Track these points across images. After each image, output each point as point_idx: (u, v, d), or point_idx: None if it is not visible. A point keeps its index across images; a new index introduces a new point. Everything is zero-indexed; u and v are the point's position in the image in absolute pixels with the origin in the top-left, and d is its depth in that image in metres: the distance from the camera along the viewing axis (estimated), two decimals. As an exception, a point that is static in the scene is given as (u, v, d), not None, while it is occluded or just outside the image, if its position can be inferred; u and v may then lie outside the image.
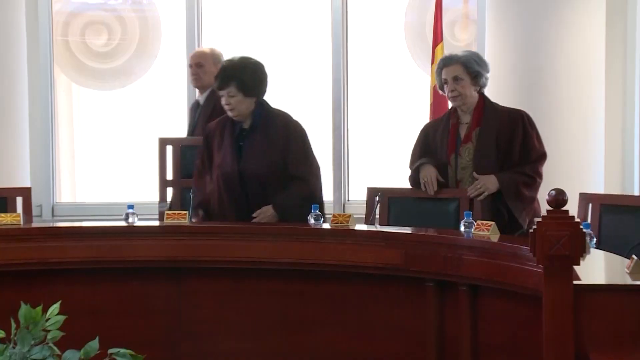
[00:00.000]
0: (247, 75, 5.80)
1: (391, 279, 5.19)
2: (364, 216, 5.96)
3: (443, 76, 5.85)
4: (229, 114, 5.79)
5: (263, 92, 5.90)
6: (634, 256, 4.03)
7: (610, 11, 7.87)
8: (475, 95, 5.85)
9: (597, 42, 7.76)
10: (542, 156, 5.86)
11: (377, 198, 5.73)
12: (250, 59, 5.91)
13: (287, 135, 5.89)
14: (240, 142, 5.84)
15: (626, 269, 3.90)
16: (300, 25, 8.68)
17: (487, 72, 5.93)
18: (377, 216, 5.80)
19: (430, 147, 5.98)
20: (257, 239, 5.49)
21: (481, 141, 5.77)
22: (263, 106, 5.88)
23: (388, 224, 5.96)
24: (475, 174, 5.75)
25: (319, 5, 8.53)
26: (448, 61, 5.85)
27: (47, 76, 8.53)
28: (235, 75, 5.76)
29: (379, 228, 5.42)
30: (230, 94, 5.74)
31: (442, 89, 5.95)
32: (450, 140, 5.87)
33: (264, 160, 5.77)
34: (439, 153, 5.90)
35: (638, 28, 8.09)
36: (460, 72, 5.75)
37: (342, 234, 5.34)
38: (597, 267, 4.15)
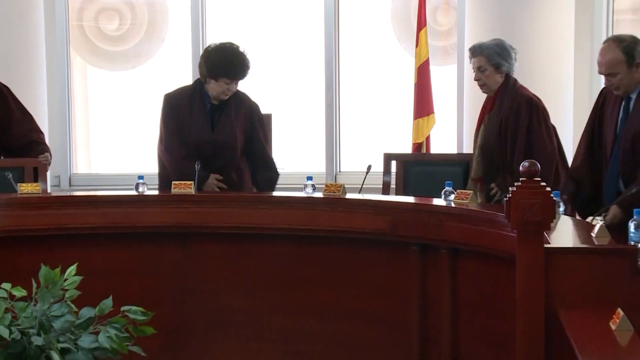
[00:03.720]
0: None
1: (378, 243, 5.20)
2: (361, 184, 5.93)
3: (472, 64, 5.83)
4: (224, 97, 5.83)
5: None
6: (599, 220, 4.06)
7: (580, 2, 7.89)
8: (500, 80, 5.76)
9: (566, 29, 7.78)
10: (548, 157, 5.62)
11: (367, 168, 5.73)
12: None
13: (252, 115, 5.97)
14: (211, 115, 5.88)
15: (592, 233, 3.91)
16: (296, 12, 8.67)
17: (511, 58, 5.79)
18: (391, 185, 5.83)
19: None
20: (257, 207, 5.50)
21: (488, 126, 5.73)
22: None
23: (405, 187, 6.05)
24: None
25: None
26: (473, 52, 5.79)
27: (64, 58, 8.55)
28: (248, 67, 5.85)
29: (366, 197, 5.42)
30: (236, 84, 5.83)
31: None
32: (481, 112, 5.89)
33: (234, 132, 5.85)
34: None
35: (604, 16, 8.10)
36: (484, 62, 5.70)
37: (334, 202, 5.34)
38: (565, 232, 4.17)
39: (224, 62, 5.78)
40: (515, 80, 5.80)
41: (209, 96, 5.86)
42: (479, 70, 5.68)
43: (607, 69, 4.87)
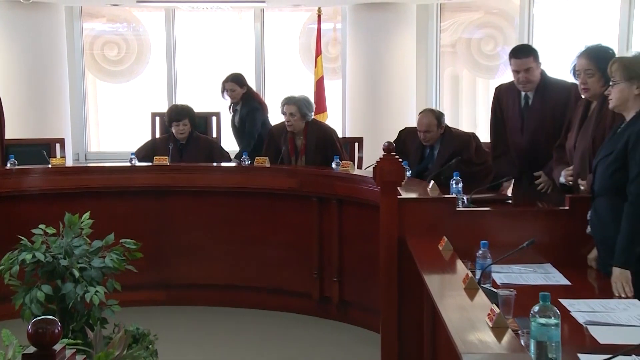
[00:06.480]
0: (194, 114, 5.72)
1: (291, 196, 5.21)
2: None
3: (284, 110, 5.42)
4: (181, 136, 5.64)
5: (196, 126, 5.79)
6: (432, 181, 4.10)
7: (419, 39, 8.01)
8: (302, 124, 5.40)
9: (410, 58, 7.89)
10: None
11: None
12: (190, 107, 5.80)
13: (211, 146, 5.78)
14: (180, 150, 5.69)
15: (428, 188, 3.96)
16: (235, 43, 8.63)
17: (311, 111, 5.48)
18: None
19: (278, 146, 5.52)
20: (210, 173, 5.47)
21: (309, 157, 5.41)
22: (192, 132, 5.72)
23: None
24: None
25: (246, 32, 8.50)
26: (288, 101, 5.44)
27: (80, 75, 8.44)
28: (188, 113, 5.67)
29: (283, 166, 5.40)
30: (184, 124, 5.62)
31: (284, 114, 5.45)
32: (290, 147, 5.46)
33: (193, 161, 5.62)
34: (284, 154, 5.43)
35: (434, 49, 8.20)
36: (295, 110, 5.36)
37: (262, 169, 5.32)
38: (410, 188, 4.21)
39: (169, 113, 5.73)
40: (311, 121, 5.50)
41: (178, 139, 5.70)
42: (290, 115, 5.37)
43: (425, 128, 4.88)
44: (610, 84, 3.05)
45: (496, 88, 4.58)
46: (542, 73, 4.33)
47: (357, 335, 4.81)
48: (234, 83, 6.07)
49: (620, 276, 2.87)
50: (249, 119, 6.02)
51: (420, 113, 5.01)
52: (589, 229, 3.20)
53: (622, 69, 2.98)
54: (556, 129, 4.14)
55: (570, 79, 3.86)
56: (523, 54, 4.28)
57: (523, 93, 4.36)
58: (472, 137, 4.97)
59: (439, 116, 4.94)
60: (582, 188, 3.52)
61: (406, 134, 5.15)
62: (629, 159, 2.91)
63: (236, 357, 4.51)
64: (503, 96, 4.49)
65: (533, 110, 4.33)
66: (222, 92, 6.10)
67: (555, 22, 7.86)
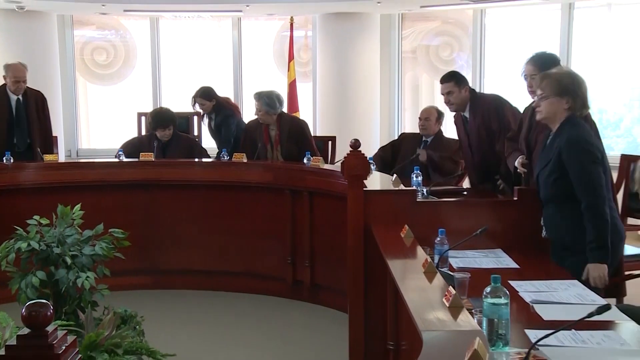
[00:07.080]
0: (176, 118, 5.66)
1: (266, 189, 5.19)
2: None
3: (256, 106, 5.34)
4: (165, 138, 5.56)
5: (177, 127, 5.72)
6: (395, 175, 4.11)
7: (383, 45, 8.02)
8: (272, 117, 5.32)
9: (375, 63, 7.89)
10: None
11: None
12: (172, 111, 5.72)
13: (192, 145, 5.75)
14: (163, 148, 5.61)
15: (391, 181, 3.97)
16: (215, 51, 8.59)
17: (276, 106, 5.31)
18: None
19: (254, 139, 5.46)
20: (193, 168, 5.43)
21: (284, 147, 5.37)
22: (174, 132, 5.64)
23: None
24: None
25: (225, 39, 8.44)
26: (255, 97, 5.37)
27: (72, 78, 8.40)
28: (172, 120, 5.58)
29: (258, 162, 5.37)
30: (169, 129, 5.55)
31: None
32: (265, 137, 5.40)
33: (174, 157, 5.52)
34: (259, 144, 5.37)
35: (396, 55, 8.22)
36: (259, 106, 5.31)
37: (240, 164, 5.30)
38: (375, 181, 4.22)
39: (155, 119, 5.60)
40: (284, 114, 5.47)
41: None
42: (257, 110, 5.34)
43: (425, 115, 5.11)
44: (538, 97, 3.04)
45: (454, 116, 4.59)
46: (472, 92, 4.39)
47: (327, 315, 4.82)
48: (203, 98, 5.95)
49: (597, 269, 2.91)
50: (224, 125, 5.96)
51: (425, 106, 5.31)
52: (544, 233, 3.22)
53: (553, 84, 2.97)
54: (492, 138, 4.20)
55: (519, 84, 3.89)
56: (444, 79, 4.39)
57: (462, 114, 4.41)
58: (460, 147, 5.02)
59: (439, 111, 5.15)
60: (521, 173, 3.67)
61: (404, 137, 5.41)
62: (567, 168, 2.95)
63: (216, 335, 4.49)
64: (456, 122, 4.55)
65: (471, 128, 4.39)
66: (193, 105, 6.01)
67: (504, 31, 7.96)
